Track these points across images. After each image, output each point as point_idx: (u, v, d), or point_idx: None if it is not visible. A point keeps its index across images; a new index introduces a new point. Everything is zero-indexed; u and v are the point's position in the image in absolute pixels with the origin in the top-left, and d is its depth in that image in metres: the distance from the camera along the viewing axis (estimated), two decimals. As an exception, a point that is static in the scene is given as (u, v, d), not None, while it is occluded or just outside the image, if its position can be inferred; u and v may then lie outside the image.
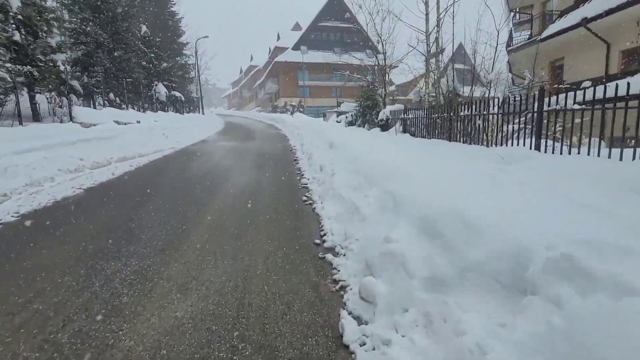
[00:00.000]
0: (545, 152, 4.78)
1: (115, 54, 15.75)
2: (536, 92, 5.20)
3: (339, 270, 2.82)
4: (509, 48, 16.66)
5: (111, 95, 14.46)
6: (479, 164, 4.30)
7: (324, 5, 47.84)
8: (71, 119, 9.69)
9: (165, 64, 21.88)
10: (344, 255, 3.04)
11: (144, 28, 21.47)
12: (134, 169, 7.37)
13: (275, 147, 11.43)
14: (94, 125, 10.34)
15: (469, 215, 2.31)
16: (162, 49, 26.10)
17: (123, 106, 15.88)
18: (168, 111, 20.45)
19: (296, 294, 2.55)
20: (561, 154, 4.55)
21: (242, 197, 5.13)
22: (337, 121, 16.28)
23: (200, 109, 32.51)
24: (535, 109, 4.93)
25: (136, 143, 9.82)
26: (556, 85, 12.01)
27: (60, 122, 9.37)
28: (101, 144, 8.23)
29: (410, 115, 8.91)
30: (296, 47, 46.09)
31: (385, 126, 11.02)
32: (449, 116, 6.78)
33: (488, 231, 2.09)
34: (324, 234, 3.54)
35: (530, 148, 4.96)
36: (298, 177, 6.61)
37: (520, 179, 3.40)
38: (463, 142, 6.36)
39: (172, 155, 9.54)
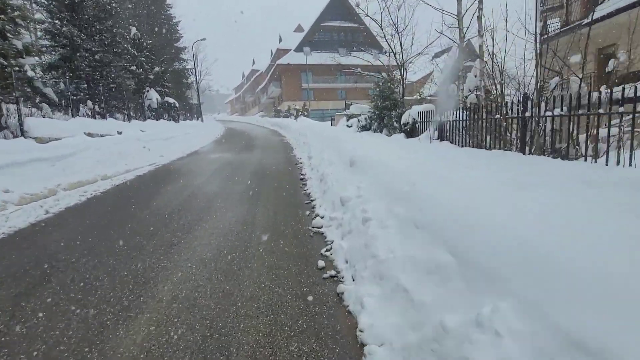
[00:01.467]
0: None
1: (97, 57, 13.95)
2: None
3: None
4: (545, 36, 14.52)
5: (89, 104, 12.64)
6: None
7: (327, 4, 46.05)
8: (22, 133, 7.81)
9: (157, 69, 20.10)
10: None
11: (133, 30, 19.77)
12: (83, 201, 5.40)
13: (278, 161, 9.43)
14: (57, 139, 8.45)
15: None
16: (156, 52, 24.42)
17: (105, 115, 14.05)
18: (160, 119, 18.63)
19: None
20: None
21: (217, 268, 3.10)
22: (348, 125, 14.26)
23: (200, 116, 30.76)
24: None
25: (104, 161, 7.90)
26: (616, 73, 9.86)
27: (5, 137, 7.48)
28: (48, 165, 6.29)
29: (450, 118, 6.84)
30: (299, 49, 44.31)
31: (411, 131, 8.95)
32: (522, 118, 4.71)
33: None
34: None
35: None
36: (307, 212, 4.58)
37: None
38: (548, 156, 4.30)
39: (146, 176, 7.59)
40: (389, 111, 10.78)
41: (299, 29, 55.03)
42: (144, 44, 20.08)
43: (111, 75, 14.71)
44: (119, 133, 12.11)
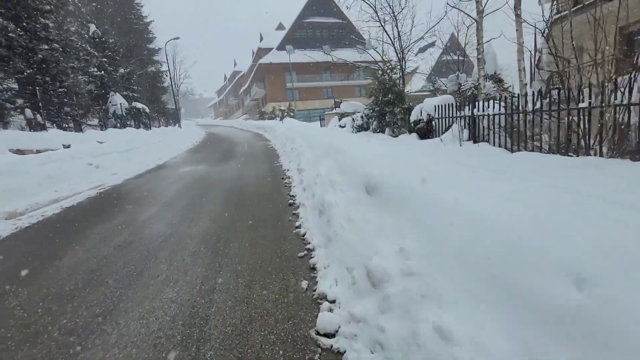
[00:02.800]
0: None
1: (40, 56, 11.70)
2: None
3: None
4: (555, 17, 13.00)
5: (28, 112, 10.40)
6: None
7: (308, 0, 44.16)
8: None
9: (122, 70, 17.82)
10: None
11: (92, 27, 17.45)
12: (-58, 268, 3.37)
13: (260, 175, 7.50)
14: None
15: None
16: (124, 53, 22.07)
17: (45, 126, 11.81)
18: (127, 127, 16.38)
19: None
20: None
21: None
22: (340, 126, 12.42)
23: (178, 121, 28.41)
24: None
25: (22, 190, 5.81)
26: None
27: None
28: None
29: (490, 111, 5.04)
30: (281, 47, 42.31)
31: (426, 131, 7.14)
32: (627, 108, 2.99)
33: None
34: None
35: None
36: (304, 286, 2.66)
37: None
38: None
39: (76, 209, 5.53)
40: (391, 107, 8.96)
41: (280, 27, 52.95)
42: (106, 43, 17.77)
43: (60, 77, 12.46)
44: (66, 147, 9.94)
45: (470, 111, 5.48)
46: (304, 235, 3.63)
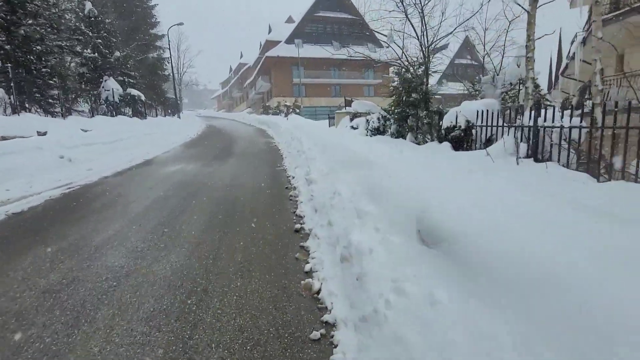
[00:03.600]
0: None
1: (22, 31, 10.48)
2: None
3: None
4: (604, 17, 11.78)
5: (1, 92, 9.17)
6: None
7: (321, -7, 42.74)
8: None
9: (118, 53, 16.58)
10: None
11: (88, 5, 16.19)
12: None
13: (259, 182, 6.32)
14: None
15: None
16: (125, 36, 20.84)
17: (17, 109, 10.62)
18: (119, 115, 15.17)
19: None
20: None
21: None
22: (352, 127, 11.19)
23: (178, 112, 27.17)
24: None
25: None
26: None
27: None
28: None
29: (557, 123, 3.83)
30: (290, 41, 41.00)
31: (460, 140, 5.92)
32: None
33: None
34: None
35: None
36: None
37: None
38: None
39: (25, 217, 4.34)
40: (416, 109, 7.74)
41: (290, 20, 51.52)
42: (102, 23, 16.52)
43: (46, 57, 11.23)
44: (41, 134, 8.74)
45: (532, 120, 4.27)
46: (318, 294, 2.43)
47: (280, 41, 41.70)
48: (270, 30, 46.31)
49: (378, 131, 9.54)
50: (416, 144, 7.40)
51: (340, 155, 5.13)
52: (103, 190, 5.76)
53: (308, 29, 42.75)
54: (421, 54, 9.47)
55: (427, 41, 9.26)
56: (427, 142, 7.30)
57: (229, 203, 4.91)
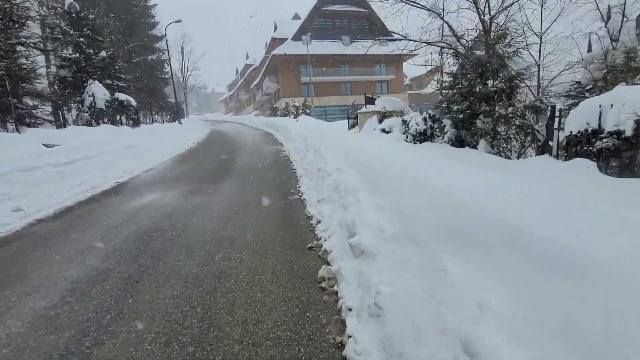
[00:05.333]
0: None
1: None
2: None
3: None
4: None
5: None
6: None
7: (328, -15, 40.27)
8: None
9: (104, 53, 14.49)
10: None
11: (68, 0, 14.13)
12: None
13: (265, 234, 3.97)
14: None
15: None
16: (122, 36, 18.85)
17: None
18: (103, 124, 13.03)
19: None
20: None
21: None
22: (384, 130, 8.74)
23: (179, 117, 25.11)
24: None
25: None
26: None
27: None
28: None
29: None
30: (297, 37, 38.72)
31: (620, 155, 3.37)
32: None
33: None
34: None
35: None
36: None
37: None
38: None
39: None
40: (491, 104, 5.24)
41: (296, 17, 49.18)
42: (86, 20, 14.45)
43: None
44: (-23, 155, 6.55)
45: None
46: None
47: (287, 38, 39.39)
48: (275, 28, 44.08)
49: (425, 136, 7.07)
50: (498, 156, 4.90)
51: (408, 190, 2.77)
52: (5, 256, 3.47)
53: (315, 24, 40.32)
54: (478, 27, 6.95)
55: (490, 9, 6.73)
56: (511, 152, 4.81)
57: (207, 292, 2.54)
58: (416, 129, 7.11)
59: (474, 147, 5.54)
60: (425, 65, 9.96)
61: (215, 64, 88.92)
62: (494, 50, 5.22)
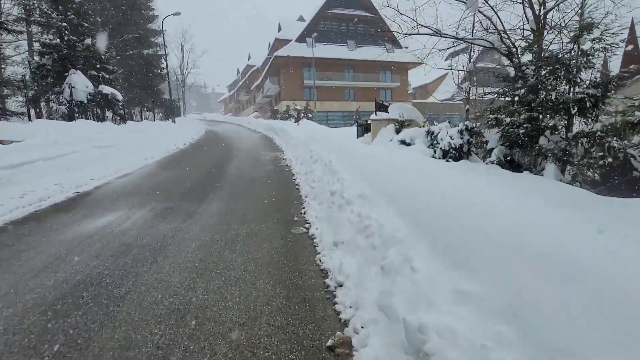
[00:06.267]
0: None
1: None
2: None
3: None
4: None
5: None
6: None
7: (335, -13, 39.28)
8: None
9: (89, 40, 13.11)
10: None
11: (52, -20, 12.77)
12: None
13: (260, 271, 2.61)
14: None
15: None
16: (116, 27, 17.50)
17: None
18: (81, 118, 11.62)
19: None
20: None
21: None
22: (404, 142, 7.42)
23: (173, 115, 23.71)
24: None
25: None
26: None
27: None
28: None
29: None
30: (301, 40, 37.62)
31: None
32: None
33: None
34: None
35: None
36: None
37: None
38: None
39: None
40: (564, 115, 3.93)
41: (301, 19, 48.10)
42: (70, 2, 13.09)
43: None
44: None
45: None
46: None
47: (291, 40, 38.22)
48: (280, 29, 43.00)
49: (460, 152, 5.76)
50: (584, 189, 3.58)
51: (521, 265, 1.48)
52: None
53: (321, 26, 39.23)
54: (528, 25, 5.68)
55: (545, 2, 5.47)
56: (589, 182, 3.50)
57: None
58: (449, 143, 5.79)
59: (536, 171, 4.25)
60: (452, 69, 8.69)
61: (217, 63, 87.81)
62: (578, 46, 3.95)
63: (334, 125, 29.75)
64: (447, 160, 5.79)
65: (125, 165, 8.14)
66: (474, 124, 5.82)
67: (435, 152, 6.31)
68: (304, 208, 4.71)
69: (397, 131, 8.44)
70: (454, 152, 5.81)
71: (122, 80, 22.87)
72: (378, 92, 40.69)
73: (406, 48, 41.27)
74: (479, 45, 6.30)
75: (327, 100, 37.87)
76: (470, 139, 5.74)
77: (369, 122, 11.50)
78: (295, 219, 4.31)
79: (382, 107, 12.62)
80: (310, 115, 26.12)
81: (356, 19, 39.19)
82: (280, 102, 37.66)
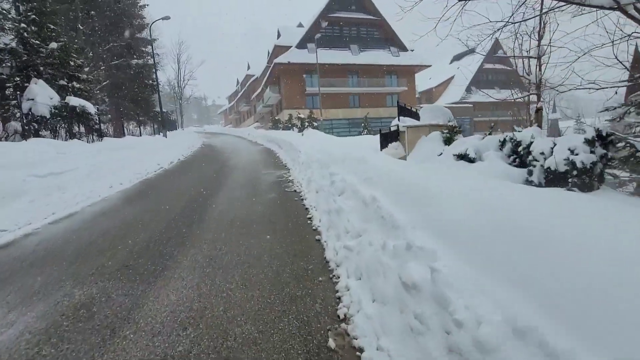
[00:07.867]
0: None
1: None
2: None
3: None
4: None
5: None
6: None
7: (337, -9, 37.55)
8: None
9: (54, 44, 11.03)
10: None
11: (10, -25, 10.77)
12: None
13: None
14: None
15: None
16: (103, 34, 15.56)
17: None
18: (33, 136, 9.45)
19: None
20: None
21: None
22: (463, 157, 5.17)
23: (164, 129, 21.60)
24: None
25: None
26: None
27: None
28: None
29: None
30: (301, 45, 35.73)
31: None
32: None
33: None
34: None
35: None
36: None
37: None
38: None
39: None
40: None
41: (300, 26, 46.43)
42: (33, 1, 11.07)
43: None
44: None
45: None
46: None
47: (291, 46, 36.37)
48: (279, 35, 41.24)
49: (589, 177, 3.44)
50: None
51: None
52: None
53: (322, 31, 37.42)
54: None
55: None
56: None
57: None
58: (572, 160, 3.48)
59: None
60: (514, 57, 6.44)
61: (216, 75, 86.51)
62: None
63: (337, 134, 27.54)
64: (570, 189, 3.47)
65: (74, 200, 5.90)
66: (606, 130, 3.53)
67: (530, 174, 4.00)
68: (337, 290, 2.39)
69: (447, 141, 6.13)
70: (577, 174, 3.49)
71: (108, 92, 21.00)
72: (384, 98, 38.59)
73: (412, 51, 38.93)
74: (590, 6, 4.03)
75: (330, 108, 35.76)
76: (607, 153, 3.43)
77: (399, 129, 9.13)
78: (326, 317, 1.97)
79: (407, 111, 10.35)
80: (315, 124, 23.92)
81: (359, 23, 37.39)
82: (282, 111, 35.63)
